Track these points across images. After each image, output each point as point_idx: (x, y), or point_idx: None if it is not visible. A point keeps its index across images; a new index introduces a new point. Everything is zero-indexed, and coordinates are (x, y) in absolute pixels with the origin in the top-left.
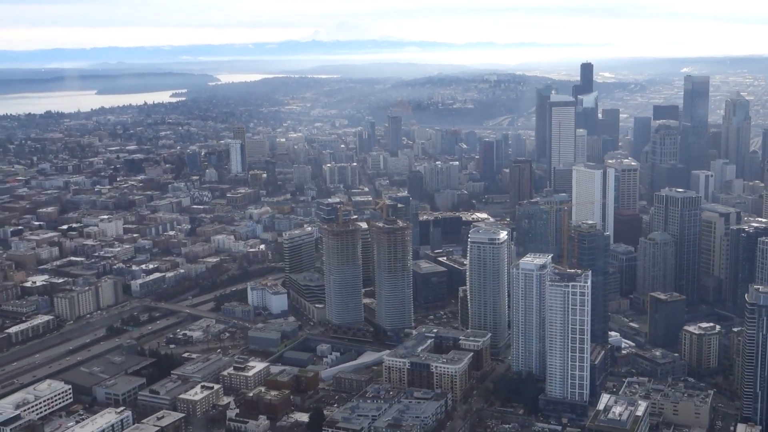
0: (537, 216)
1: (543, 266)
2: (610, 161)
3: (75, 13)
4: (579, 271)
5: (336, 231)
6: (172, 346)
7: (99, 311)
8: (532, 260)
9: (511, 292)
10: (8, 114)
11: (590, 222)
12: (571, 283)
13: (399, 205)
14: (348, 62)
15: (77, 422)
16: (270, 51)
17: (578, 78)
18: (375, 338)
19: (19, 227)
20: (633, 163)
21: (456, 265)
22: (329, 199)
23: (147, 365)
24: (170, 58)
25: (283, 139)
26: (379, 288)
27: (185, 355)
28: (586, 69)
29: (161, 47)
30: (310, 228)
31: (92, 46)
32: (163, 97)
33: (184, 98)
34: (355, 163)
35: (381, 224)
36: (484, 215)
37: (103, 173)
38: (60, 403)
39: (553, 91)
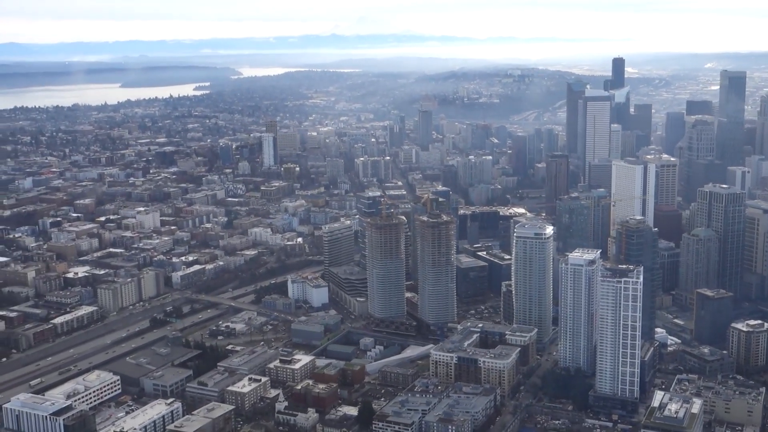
0: (578, 211)
1: (592, 261)
2: (648, 156)
3: (97, 6)
4: (631, 267)
5: (380, 225)
6: (220, 337)
7: (141, 303)
8: (580, 255)
9: (559, 287)
10: (36, 106)
11: (638, 217)
12: (623, 279)
13: (440, 199)
14: (369, 56)
15: (127, 413)
16: (290, 45)
17: (602, 73)
18: (418, 332)
19: (58, 219)
20: (671, 159)
21: (496, 260)
22: (369, 193)
23: (192, 357)
24: (191, 51)
25: (314, 133)
26: (423, 282)
27: (229, 347)
28: (618, 64)
29: (182, 41)
30: (348, 221)
31: (114, 39)
32: (187, 90)
33: (207, 91)
34: (388, 157)
35: (425, 218)
36: (521, 210)
37: (135, 165)
38: (109, 393)
39: (587, 86)
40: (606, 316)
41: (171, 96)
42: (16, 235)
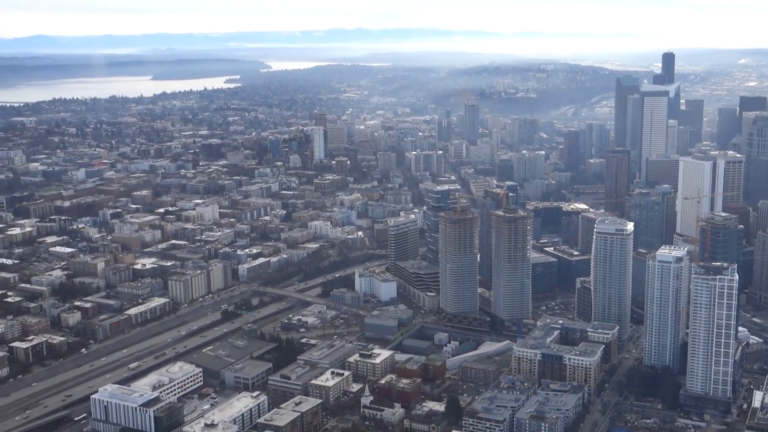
0: (649, 207)
1: (680, 258)
2: (714, 152)
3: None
4: (725, 264)
5: (454, 219)
6: (302, 329)
7: (210, 294)
8: (669, 252)
9: (646, 284)
10: (75, 98)
11: (723, 214)
12: (718, 277)
13: (511, 194)
14: (396, 51)
15: (212, 405)
16: (317, 39)
17: (634, 68)
18: (491, 328)
19: (118, 210)
20: (737, 155)
21: (565, 256)
22: (437, 187)
23: (269, 350)
24: (218, 44)
25: (362, 126)
26: (497, 278)
27: (303, 340)
28: (668, 59)
29: (209, 34)
30: (413, 216)
31: (142, 32)
32: (218, 83)
33: (239, 84)
34: (440, 151)
35: (501, 213)
36: (582, 205)
37: (184, 158)
38: (192, 385)
39: (644, 81)
40: (699, 314)
41: (205, 89)
42: (79, 226)
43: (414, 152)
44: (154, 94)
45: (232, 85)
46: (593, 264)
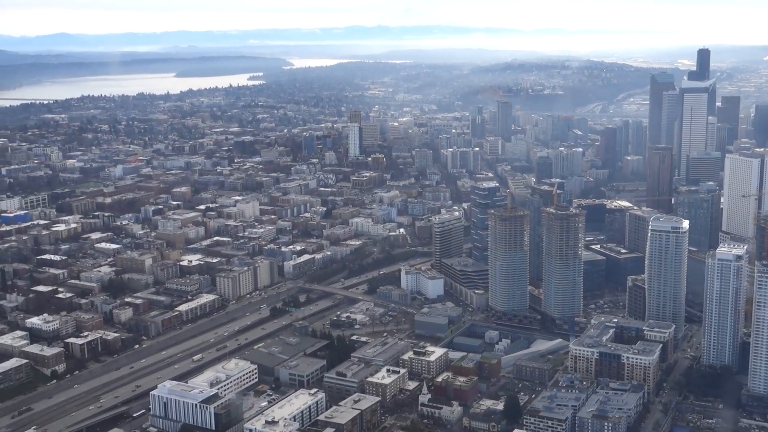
0: (697, 205)
1: (739, 257)
2: (759, 150)
3: None
4: None
5: (505, 216)
6: (357, 326)
7: (256, 291)
8: (728, 250)
9: (705, 283)
10: (103, 95)
11: None
12: None
13: (558, 191)
14: (416, 48)
15: (269, 402)
16: (336, 36)
17: (658, 65)
18: (542, 326)
19: (159, 207)
20: None
21: (612, 254)
22: (484, 183)
23: (322, 347)
24: (238, 42)
25: (396, 123)
26: (548, 275)
27: (354, 337)
28: (703, 55)
29: (228, 31)
30: (457, 213)
31: (162, 30)
32: (241, 80)
33: (262, 81)
34: (477, 148)
35: (553, 210)
36: (625, 203)
37: (218, 155)
38: (248, 382)
39: (684, 78)
40: (763, 313)
41: (230, 86)
42: (123, 223)
43: (450, 149)
44: (181, 91)
45: (256, 83)
46: (648, 262)
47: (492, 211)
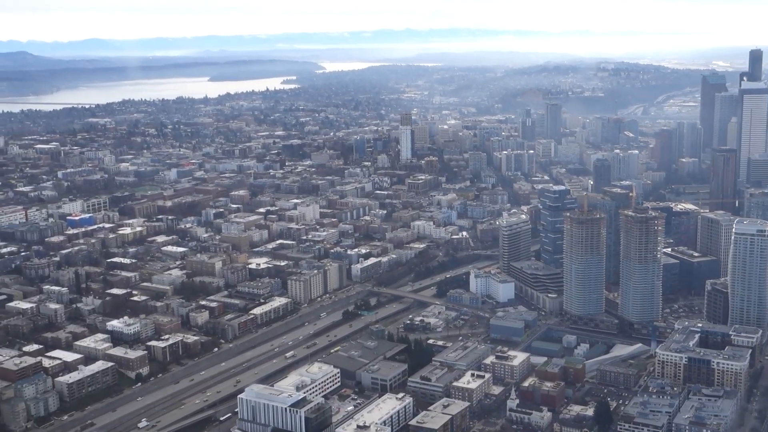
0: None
1: None
2: None
3: (173, 2)
4: None
5: (581, 219)
6: (436, 330)
7: (327, 295)
8: None
9: None
10: (143, 99)
11: None
12: None
13: (630, 194)
14: (446, 51)
15: (354, 406)
16: (365, 39)
17: (693, 66)
18: (619, 330)
19: (220, 210)
20: None
21: (685, 257)
22: (554, 186)
23: (400, 351)
24: (267, 45)
25: (445, 126)
26: (626, 279)
27: (430, 341)
28: (756, 56)
29: (258, 35)
30: (524, 216)
31: (192, 34)
32: (275, 83)
33: (296, 85)
34: (531, 151)
35: (631, 213)
36: (690, 206)
37: (268, 158)
38: (331, 386)
39: (744, 79)
40: None
41: (267, 89)
42: (187, 226)
43: (505, 152)
44: (219, 95)
45: (290, 86)
46: (731, 266)
47: (568, 213)
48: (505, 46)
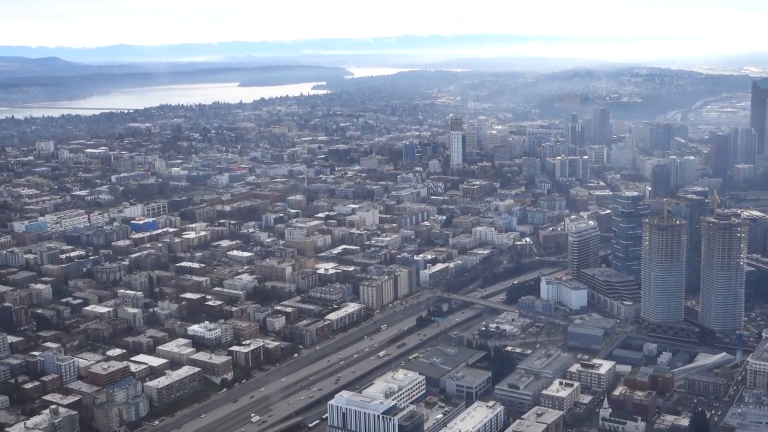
0: None
1: None
2: None
3: (199, 8)
4: None
5: (662, 226)
6: (514, 339)
7: (397, 300)
8: None
9: None
10: (180, 104)
11: None
12: None
13: (706, 200)
14: (472, 56)
15: (444, 414)
16: (390, 45)
17: (725, 72)
18: (700, 339)
19: (279, 214)
20: None
21: (760, 265)
22: (627, 192)
23: (481, 358)
24: (293, 51)
25: (494, 131)
26: (708, 287)
27: (508, 348)
28: None
29: (283, 41)
30: (592, 222)
31: (218, 40)
32: (305, 89)
33: (327, 90)
34: (586, 156)
35: (713, 219)
36: (756, 212)
37: (316, 163)
38: (417, 393)
39: None
40: None
41: (301, 94)
42: (249, 230)
43: (558, 157)
44: (254, 100)
45: (322, 92)
46: None
47: (647, 220)
48: (531, 52)
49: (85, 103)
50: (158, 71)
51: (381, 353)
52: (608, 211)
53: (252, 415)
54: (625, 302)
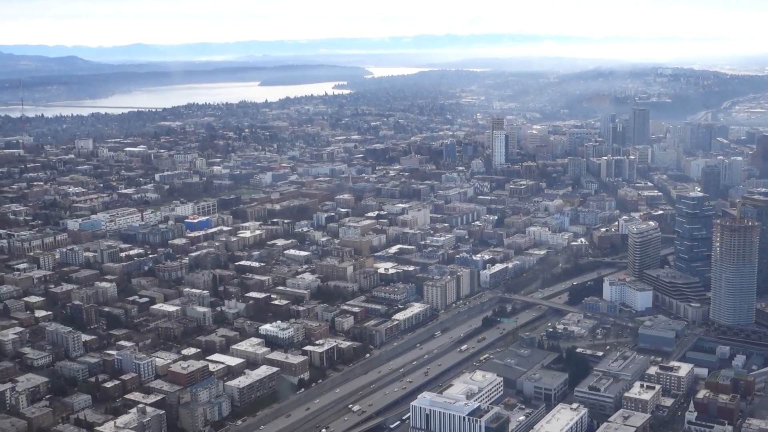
0: None
1: None
2: None
3: (212, 7)
4: None
5: (734, 227)
6: (582, 340)
7: (460, 301)
8: None
9: None
10: (207, 103)
11: None
12: None
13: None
14: (490, 56)
15: (525, 416)
16: (405, 45)
17: (749, 72)
18: None
19: (331, 213)
20: None
21: None
22: (692, 193)
23: (554, 359)
24: (309, 50)
25: (534, 131)
26: None
27: (579, 350)
28: None
29: (298, 41)
30: (652, 223)
31: (234, 40)
32: (326, 88)
33: (349, 90)
34: (632, 156)
35: None
36: None
37: (355, 162)
38: (496, 394)
39: None
40: None
41: (326, 94)
42: (304, 229)
43: (605, 157)
44: (279, 99)
45: (345, 91)
46: None
47: (718, 221)
48: (548, 52)
49: (108, 101)
50: (177, 70)
51: (463, 347)
52: (660, 212)
53: (350, 405)
54: (693, 304)
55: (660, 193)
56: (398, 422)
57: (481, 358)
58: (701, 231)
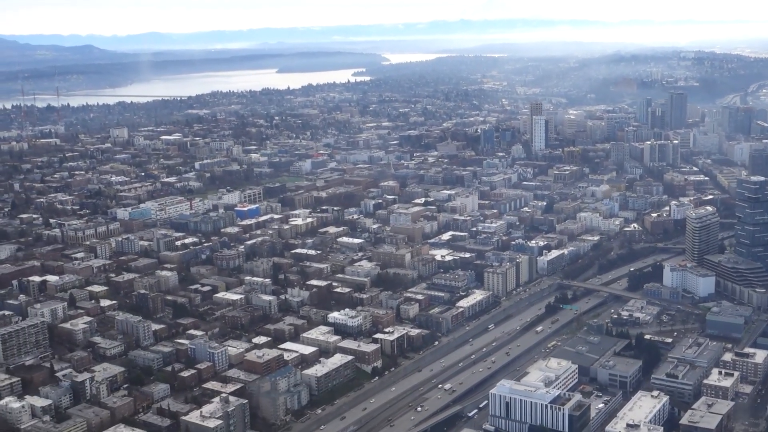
0: None
1: None
2: None
3: None
4: None
5: None
6: (648, 327)
7: (520, 288)
8: None
9: None
10: (231, 91)
11: None
12: None
13: None
14: (506, 41)
15: (604, 404)
16: (420, 31)
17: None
18: None
19: (378, 201)
20: None
21: None
22: (753, 178)
23: (624, 347)
24: (323, 37)
25: (572, 116)
26: None
27: (647, 337)
28: None
29: (312, 28)
30: (710, 207)
31: (248, 27)
32: (345, 75)
33: (368, 77)
34: (676, 141)
35: None
36: None
37: (391, 149)
38: (571, 382)
39: None
40: None
41: (348, 81)
42: (354, 217)
43: (648, 142)
44: (302, 86)
45: (365, 78)
46: None
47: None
48: (564, 36)
49: (128, 90)
50: (194, 58)
51: (538, 328)
52: (710, 197)
53: (440, 385)
54: (758, 290)
55: (706, 178)
56: (475, 410)
57: (549, 345)
58: (764, 216)
